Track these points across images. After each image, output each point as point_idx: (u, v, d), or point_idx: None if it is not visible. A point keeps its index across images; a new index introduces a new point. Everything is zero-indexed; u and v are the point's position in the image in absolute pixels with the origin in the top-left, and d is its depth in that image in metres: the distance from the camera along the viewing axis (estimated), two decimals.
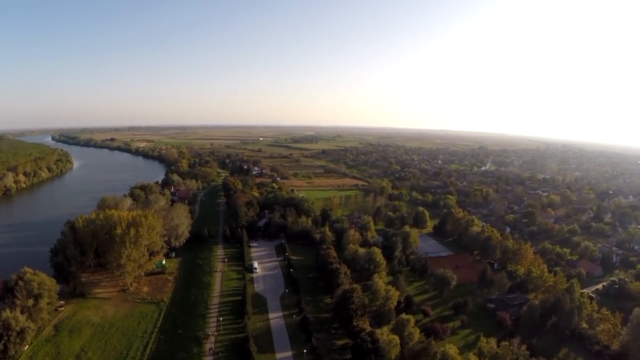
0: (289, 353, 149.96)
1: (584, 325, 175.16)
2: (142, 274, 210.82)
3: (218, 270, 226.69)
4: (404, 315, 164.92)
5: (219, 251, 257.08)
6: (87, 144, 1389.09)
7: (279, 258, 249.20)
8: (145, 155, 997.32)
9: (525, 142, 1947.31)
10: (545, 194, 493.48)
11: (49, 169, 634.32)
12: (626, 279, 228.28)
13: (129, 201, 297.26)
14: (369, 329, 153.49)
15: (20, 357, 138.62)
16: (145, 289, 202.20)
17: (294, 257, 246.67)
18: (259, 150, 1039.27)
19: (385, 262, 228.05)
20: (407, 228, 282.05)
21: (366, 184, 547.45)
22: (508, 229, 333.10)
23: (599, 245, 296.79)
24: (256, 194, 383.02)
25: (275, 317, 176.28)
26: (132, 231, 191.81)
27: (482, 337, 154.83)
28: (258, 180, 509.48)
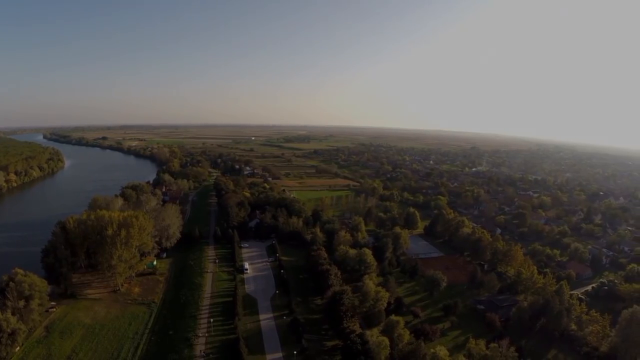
0: (280, 354, 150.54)
1: (573, 326, 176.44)
2: (133, 274, 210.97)
3: (209, 271, 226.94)
4: (394, 317, 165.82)
5: (210, 252, 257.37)
6: (79, 142, 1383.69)
7: (270, 259, 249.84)
8: (137, 154, 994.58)
9: (517, 143, 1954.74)
10: (536, 195, 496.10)
11: (40, 168, 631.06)
12: (615, 281, 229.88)
13: (120, 201, 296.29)
14: (359, 330, 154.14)
15: (11, 358, 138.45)
16: (136, 289, 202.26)
17: (284, 258, 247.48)
18: (251, 150, 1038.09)
19: (375, 263, 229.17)
20: (398, 229, 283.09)
21: (358, 184, 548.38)
22: (499, 230, 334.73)
23: (589, 246, 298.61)
24: (247, 194, 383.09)
25: (266, 318, 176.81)
26: (123, 232, 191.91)
27: (471, 339, 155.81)
28: (250, 180, 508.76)
